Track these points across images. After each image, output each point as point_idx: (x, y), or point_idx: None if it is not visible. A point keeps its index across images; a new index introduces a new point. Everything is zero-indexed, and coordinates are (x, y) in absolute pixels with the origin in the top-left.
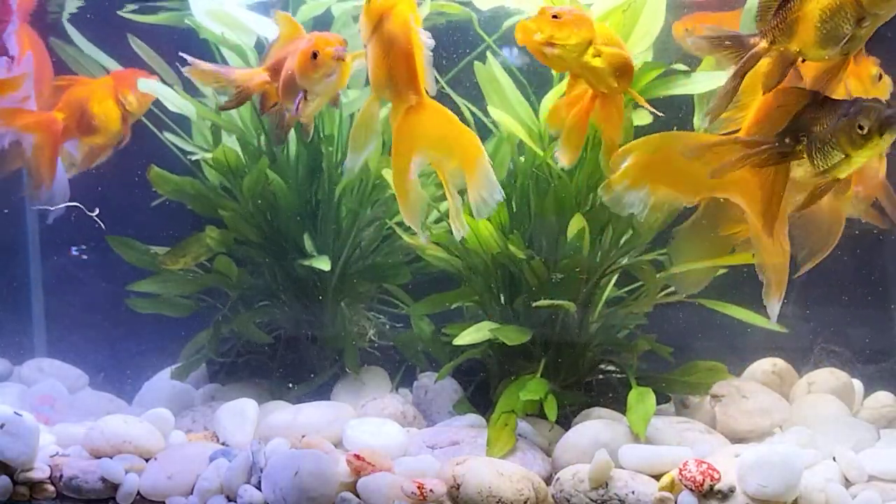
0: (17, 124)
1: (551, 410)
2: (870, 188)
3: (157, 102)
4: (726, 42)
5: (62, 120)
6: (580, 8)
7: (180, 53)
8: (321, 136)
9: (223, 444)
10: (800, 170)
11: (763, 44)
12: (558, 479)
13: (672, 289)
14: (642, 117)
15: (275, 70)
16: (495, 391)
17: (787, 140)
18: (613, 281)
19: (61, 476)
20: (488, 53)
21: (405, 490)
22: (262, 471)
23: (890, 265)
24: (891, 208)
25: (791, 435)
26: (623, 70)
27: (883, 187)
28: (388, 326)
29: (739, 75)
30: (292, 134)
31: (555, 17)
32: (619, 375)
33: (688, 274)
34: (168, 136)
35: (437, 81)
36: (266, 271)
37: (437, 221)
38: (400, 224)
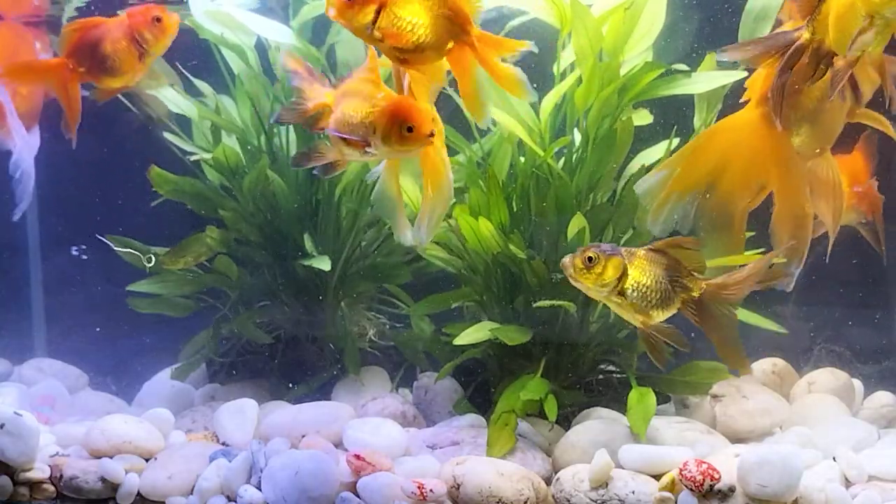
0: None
1: (551, 410)
2: (867, 207)
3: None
4: (774, 44)
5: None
6: None
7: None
8: (321, 136)
9: (223, 444)
10: (796, 141)
11: (806, 34)
12: (558, 479)
13: None
14: (643, 117)
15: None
16: (495, 391)
17: None
18: None
19: (61, 476)
20: None
21: (405, 490)
22: (262, 471)
23: (890, 265)
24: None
25: (791, 435)
26: (407, 48)
27: (877, 211)
28: (388, 326)
29: (787, 68)
30: (293, 134)
31: None
32: (619, 375)
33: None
34: (168, 135)
35: None
36: (266, 271)
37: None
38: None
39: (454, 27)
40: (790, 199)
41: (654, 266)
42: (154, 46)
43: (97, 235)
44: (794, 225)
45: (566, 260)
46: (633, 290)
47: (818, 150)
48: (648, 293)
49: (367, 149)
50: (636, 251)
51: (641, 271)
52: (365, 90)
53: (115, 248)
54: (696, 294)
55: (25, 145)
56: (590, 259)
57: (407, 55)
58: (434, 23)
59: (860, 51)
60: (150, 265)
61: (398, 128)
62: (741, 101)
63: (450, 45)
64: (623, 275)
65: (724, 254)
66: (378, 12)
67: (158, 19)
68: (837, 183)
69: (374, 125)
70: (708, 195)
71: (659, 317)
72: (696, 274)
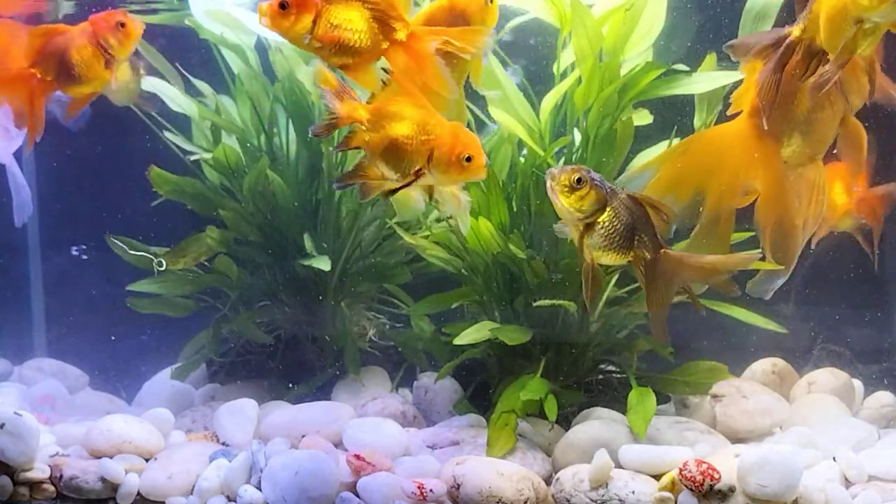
0: None
1: (551, 410)
2: (866, 214)
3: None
4: (767, 42)
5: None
6: None
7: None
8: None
9: (223, 444)
10: (787, 150)
11: (796, 32)
12: (558, 479)
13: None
14: (643, 117)
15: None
16: (495, 391)
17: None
18: (614, 281)
19: (61, 476)
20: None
21: (405, 490)
22: (262, 471)
23: (890, 265)
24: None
25: (791, 435)
26: (346, 53)
27: (877, 219)
28: (388, 326)
29: (779, 67)
30: (292, 134)
31: (281, 6)
32: (619, 375)
33: None
34: (168, 135)
35: None
36: (266, 271)
37: (438, 221)
38: (400, 224)
39: (385, 27)
40: (776, 210)
41: (628, 213)
42: (119, 52)
43: (114, 240)
44: (781, 236)
45: (554, 170)
46: (602, 229)
47: (809, 158)
48: (613, 236)
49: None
50: (619, 193)
51: (616, 214)
52: (414, 115)
53: (130, 252)
54: (648, 255)
55: (5, 147)
56: (578, 181)
57: (345, 60)
58: (369, 26)
59: (850, 52)
60: (162, 269)
61: (458, 158)
62: (728, 113)
63: (385, 45)
64: (599, 210)
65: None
66: (314, 21)
67: (122, 24)
68: (821, 190)
69: (430, 154)
70: (691, 200)
71: (608, 260)
72: (659, 236)
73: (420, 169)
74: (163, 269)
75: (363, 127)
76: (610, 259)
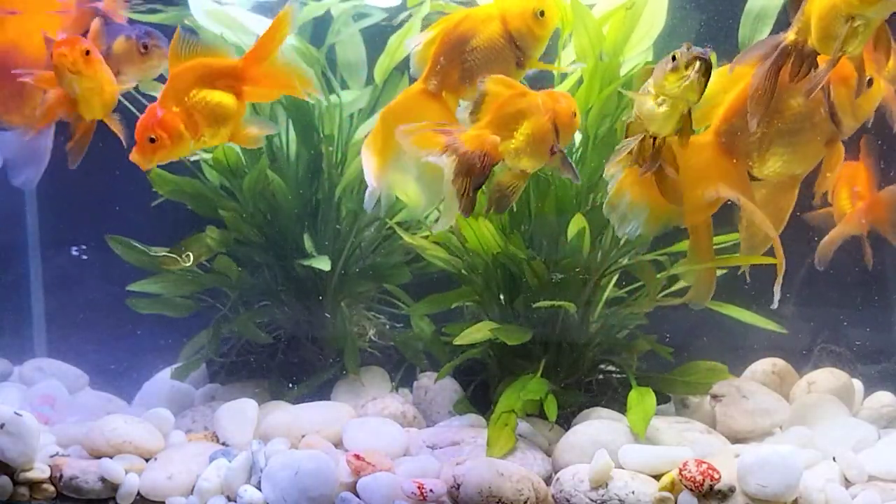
0: None
1: (551, 410)
2: (878, 221)
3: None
4: (768, 49)
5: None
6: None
7: None
8: (321, 135)
9: (223, 444)
10: (759, 168)
11: (791, 36)
12: (558, 479)
13: (672, 289)
14: None
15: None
16: (495, 391)
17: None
18: (613, 281)
19: (61, 476)
20: None
21: (405, 490)
22: (262, 471)
23: (890, 265)
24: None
25: (791, 435)
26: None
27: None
28: (388, 326)
29: (774, 71)
30: (292, 134)
31: (150, 140)
32: (619, 375)
33: (698, 286)
34: None
35: None
36: (266, 271)
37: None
38: (400, 224)
39: (223, 79)
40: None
41: None
42: (77, 81)
43: (130, 242)
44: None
45: (704, 53)
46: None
47: (788, 180)
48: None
49: (555, 151)
50: None
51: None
52: (526, 102)
53: (151, 253)
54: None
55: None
56: (707, 69)
57: (230, 131)
58: (222, 92)
59: (841, 52)
60: (188, 263)
61: (571, 117)
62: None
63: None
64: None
65: (692, 261)
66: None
67: (88, 52)
68: (781, 217)
69: (557, 127)
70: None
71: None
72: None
73: (553, 145)
74: (189, 263)
75: (496, 140)
76: (664, 133)
